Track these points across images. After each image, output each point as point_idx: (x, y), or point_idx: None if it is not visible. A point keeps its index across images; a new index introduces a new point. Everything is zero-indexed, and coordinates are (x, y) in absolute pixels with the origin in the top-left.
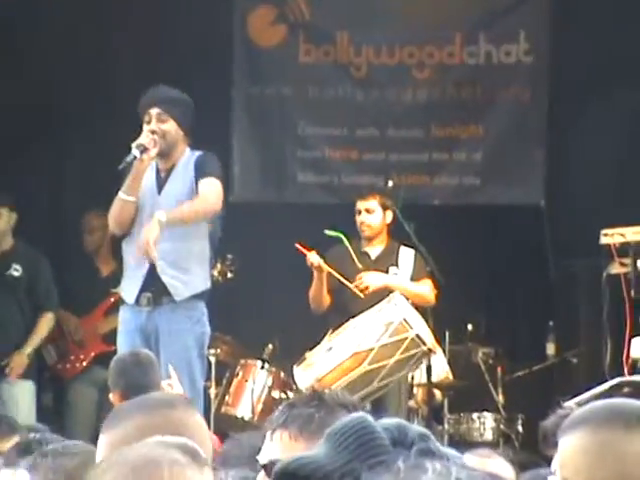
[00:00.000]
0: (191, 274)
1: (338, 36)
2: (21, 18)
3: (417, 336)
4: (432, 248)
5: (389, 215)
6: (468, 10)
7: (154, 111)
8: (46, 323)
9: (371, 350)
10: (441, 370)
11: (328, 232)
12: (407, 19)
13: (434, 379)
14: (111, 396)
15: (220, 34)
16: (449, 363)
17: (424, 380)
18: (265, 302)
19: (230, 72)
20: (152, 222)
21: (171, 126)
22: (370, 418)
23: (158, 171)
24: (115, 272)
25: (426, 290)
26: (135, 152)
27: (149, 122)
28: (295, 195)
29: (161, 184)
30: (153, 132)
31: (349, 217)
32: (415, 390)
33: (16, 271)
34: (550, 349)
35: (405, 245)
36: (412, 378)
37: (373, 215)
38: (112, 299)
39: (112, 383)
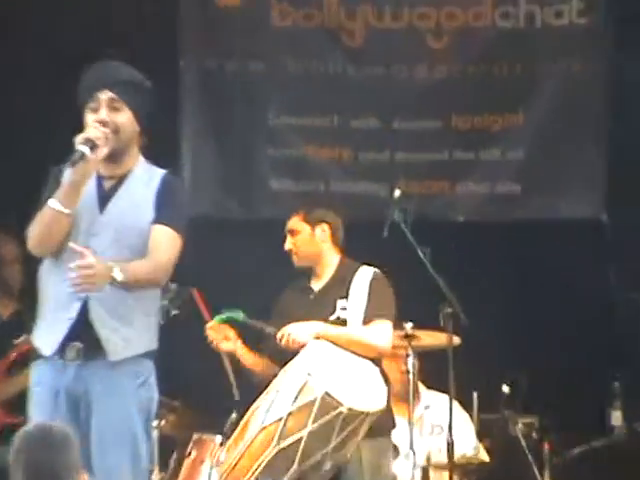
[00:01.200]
0: (135, 329)
1: None
2: None
3: (326, 394)
4: (454, 280)
5: (321, 230)
6: None
7: (105, 96)
8: None
9: (279, 421)
10: (469, 446)
11: (217, 319)
12: None
13: (458, 458)
14: None
15: None
16: (479, 437)
17: (444, 459)
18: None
19: (177, 41)
20: (106, 268)
21: (127, 118)
22: None
23: (100, 180)
24: (19, 314)
25: (372, 336)
26: (83, 148)
27: (96, 110)
28: (267, 208)
29: (105, 199)
30: (103, 123)
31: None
32: (432, 474)
33: None
34: (615, 418)
35: (369, 264)
36: (428, 458)
37: (297, 237)
38: (16, 352)
39: (13, 463)
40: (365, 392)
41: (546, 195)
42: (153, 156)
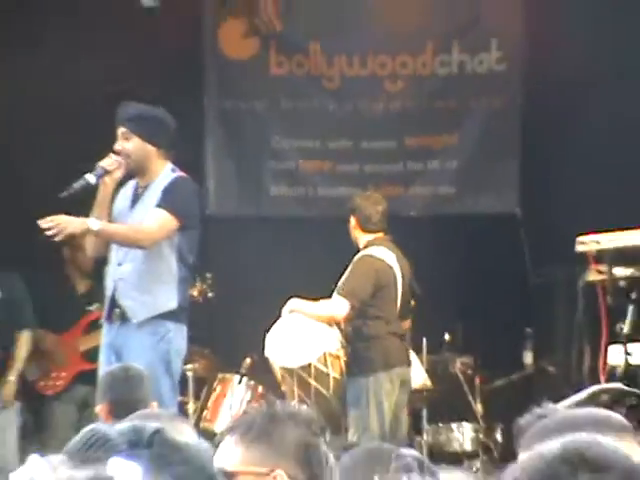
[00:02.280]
0: (152, 295)
1: (310, 47)
2: None
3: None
4: (409, 259)
5: (352, 221)
6: (440, 19)
7: (120, 130)
8: (24, 343)
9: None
10: (419, 377)
11: None
12: (379, 28)
13: (413, 386)
14: (98, 408)
15: (190, 48)
16: (427, 372)
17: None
18: (242, 316)
19: (202, 86)
20: (81, 222)
21: (135, 144)
22: (103, 427)
23: (137, 188)
24: (91, 290)
25: (325, 308)
26: (89, 177)
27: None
28: (270, 208)
29: (135, 201)
30: (117, 153)
31: (325, 230)
32: None
33: None
34: (527, 358)
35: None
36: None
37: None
38: (90, 317)
39: (99, 396)
40: (292, 354)
41: (474, 195)
42: (190, 172)
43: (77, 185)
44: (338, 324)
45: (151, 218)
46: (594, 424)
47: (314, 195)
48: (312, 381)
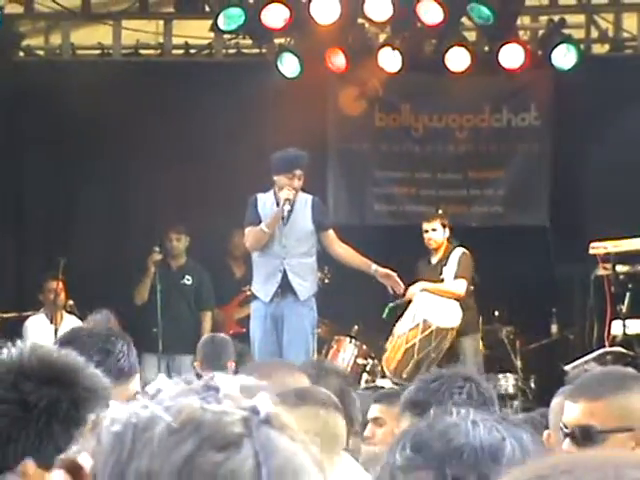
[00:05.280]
0: (308, 282)
1: (402, 107)
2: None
3: (424, 320)
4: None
5: (447, 231)
6: (494, 88)
7: (298, 172)
8: (209, 322)
9: (403, 334)
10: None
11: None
12: (451, 95)
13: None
14: (196, 362)
15: (319, 108)
16: (482, 338)
17: None
18: (352, 297)
19: (326, 134)
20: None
21: (302, 181)
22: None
23: (278, 205)
24: (245, 275)
25: (452, 287)
26: (286, 207)
27: (292, 178)
28: (371, 220)
29: (287, 217)
30: (294, 188)
31: (410, 235)
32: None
33: (188, 280)
34: (554, 329)
35: (461, 246)
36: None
37: (436, 232)
38: (243, 295)
39: (196, 354)
40: (445, 317)
41: (516, 213)
42: (316, 193)
43: (285, 213)
44: (457, 299)
45: (335, 237)
46: (622, 378)
47: (403, 211)
48: (433, 339)
